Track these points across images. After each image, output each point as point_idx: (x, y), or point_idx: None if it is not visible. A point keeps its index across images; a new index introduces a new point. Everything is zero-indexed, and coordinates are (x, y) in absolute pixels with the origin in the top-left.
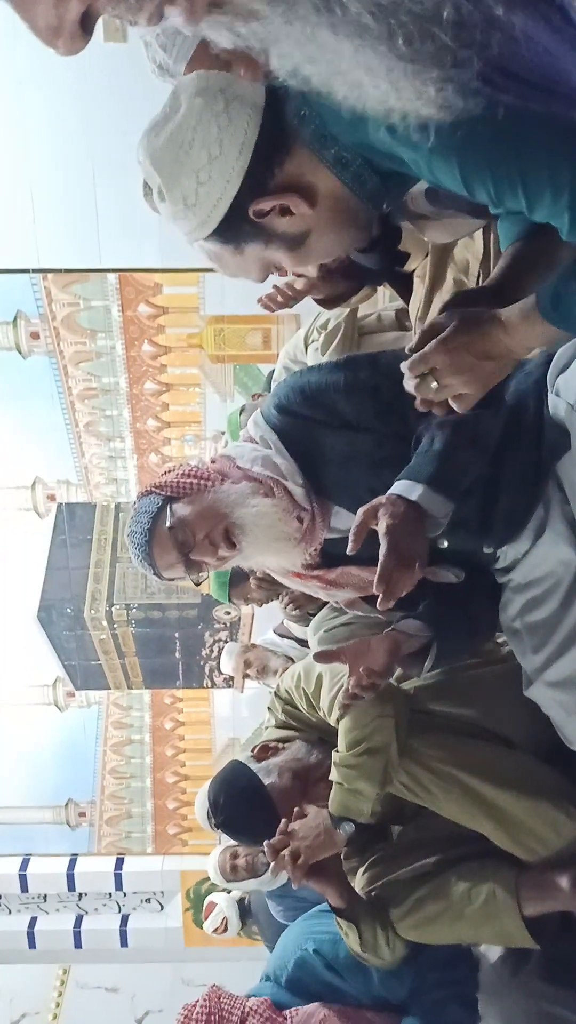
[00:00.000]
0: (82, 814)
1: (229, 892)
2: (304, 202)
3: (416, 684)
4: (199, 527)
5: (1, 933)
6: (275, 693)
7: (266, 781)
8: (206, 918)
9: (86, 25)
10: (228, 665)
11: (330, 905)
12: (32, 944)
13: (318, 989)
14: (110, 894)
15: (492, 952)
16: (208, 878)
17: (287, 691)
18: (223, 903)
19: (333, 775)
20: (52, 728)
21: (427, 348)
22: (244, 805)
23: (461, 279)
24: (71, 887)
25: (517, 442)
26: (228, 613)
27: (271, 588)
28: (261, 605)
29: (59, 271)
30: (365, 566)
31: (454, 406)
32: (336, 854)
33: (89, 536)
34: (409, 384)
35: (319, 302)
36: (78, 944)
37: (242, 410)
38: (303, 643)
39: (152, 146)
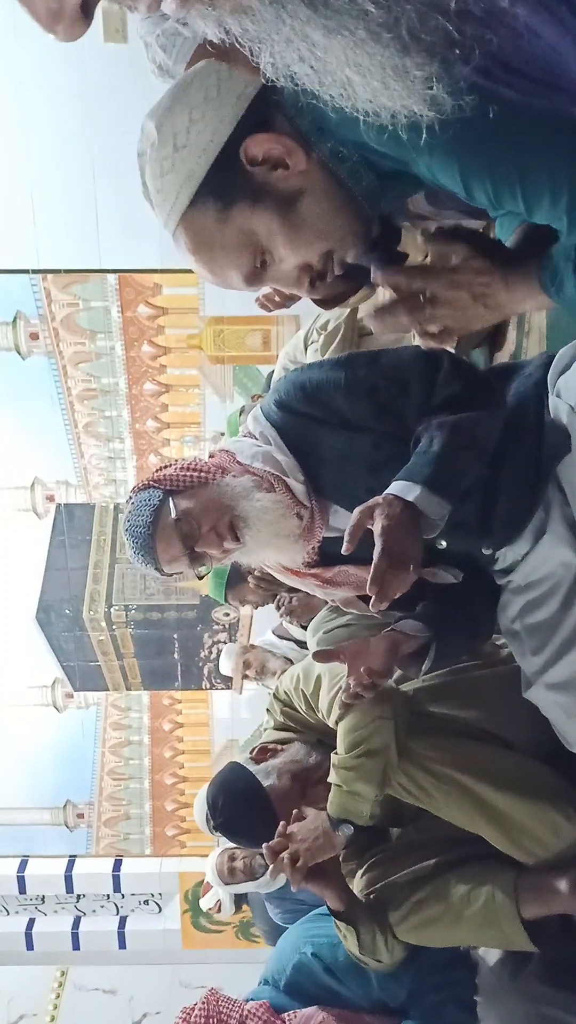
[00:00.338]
0: (80, 815)
1: None
2: (300, 150)
3: (415, 686)
4: (205, 519)
5: None
6: (274, 695)
7: (265, 783)
8: (203, 895)
9: (86, 10)
10: (227, 666)
11: (329, 908)
12: (30, 946)
13: (317, 993)
14: (108, 896)
15: (491, 955)
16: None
17: (286, 693)
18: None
19: (332, 777)
20: (50, 729)
21: (433, 273)
22: (243, 807)
23: None
24: (69, 888)
25: (517, 444)
26: (227, 614)
27: (268, 589)
28: (257, 607)
29: (59, 272)
30: (362, 565)
31: (424, 340)
32: (335, 856)
33: (88, 537)
34: (398, 297)
35: (318, 303)
36: (76, 946)
37: (242, 411)
38: (302, 644)
39: (152, 108)
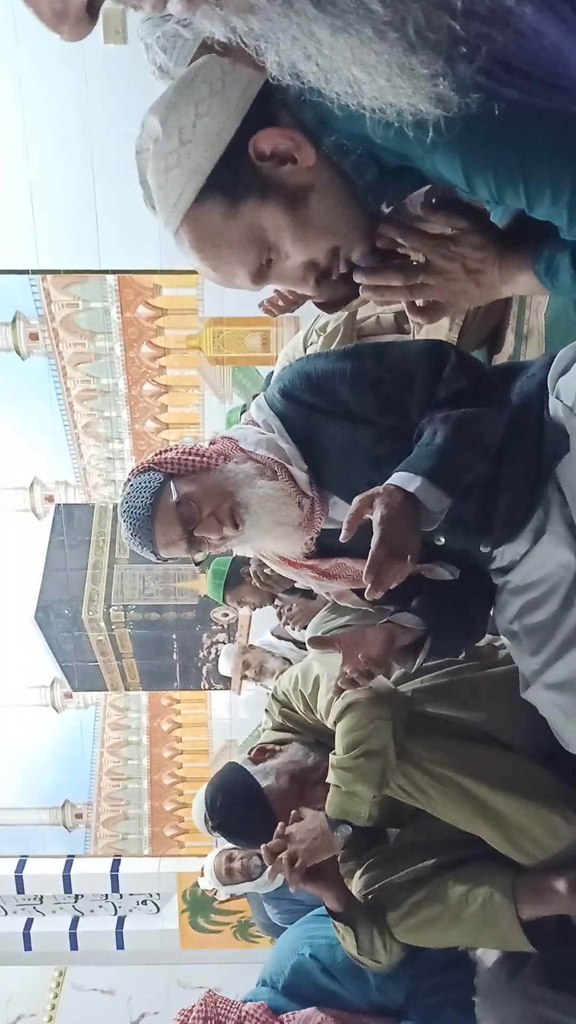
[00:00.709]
0: (79, 815)
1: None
2: (308, 145)
3: (414, 687)
4: (205, 503)
5: None
6: (272, 695)
7: (263, 783)
8: (201, 875)
9: (92, 10)
10: (226, 666)
11: (327, 908)
12: (28, 946)
13: (315, 994)
14: (106, 896)
15: (489, 956)
16: None
17: (284, 693)
18: None
19: (330, 778)
20: (49, 729)
21: (431, 241)
22: (241, 807)
23: None
24: (67, 889)
25: (518, 443)
26: (226, 615)
27: (268, 588)
28: (256, 608)
29: (58, 272)
30: (360, 559)
31: (412, 313)
32: (333, 857)
33: (87, 537)
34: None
35: (319, 306)
36: (74, 946)
37: (243, 409)
38: (301, 645)
39: (153, 104)
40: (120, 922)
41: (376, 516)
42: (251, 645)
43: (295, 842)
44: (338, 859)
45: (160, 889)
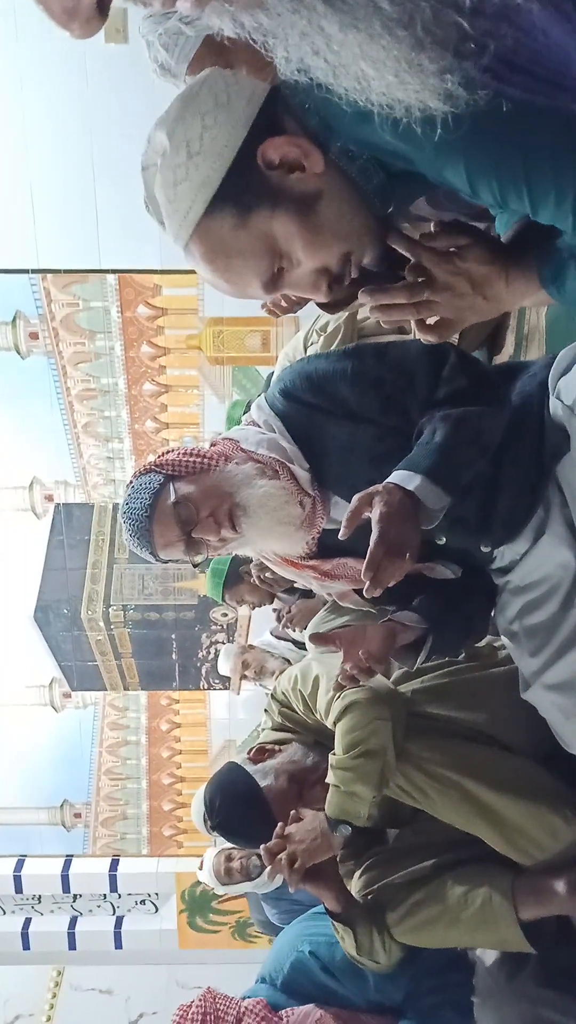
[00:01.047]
0: (77, 815)
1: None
2: (316, 151)
3: (413, 687)
4: (204, 505)
5: None
6: (272, 695)
7: (262, 783)
8: (200, 868)
9: (102, 7)
10: (225, 666)
11: (326, 909)
12: (26, 945)
13: (314, 991)
14: (105, 895)
15: (488, 956)
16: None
17: (283, 693)
18: None
19: (330, 778)
20: (48, 729)
21: (437, 256)
22: (240, 807)
23: None
24: (66, 888)
25: (519, 443)
26: (225, 615)
27: (268, 587)
28: (254, 608)
29: (58, 272)
30: (361, 558)
31: (422, 332)
32: (333, 857)
33: (87, 537)
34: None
35: (321, 306)
36: (72, 946)
37: (246, 408)
38: (300, 645)
39: (159, 119)
40: (118, 922)
41: (375, 514)
42: (250, 645)
43: (294, 842)
44: (337, 859)
45: (159, 889)
